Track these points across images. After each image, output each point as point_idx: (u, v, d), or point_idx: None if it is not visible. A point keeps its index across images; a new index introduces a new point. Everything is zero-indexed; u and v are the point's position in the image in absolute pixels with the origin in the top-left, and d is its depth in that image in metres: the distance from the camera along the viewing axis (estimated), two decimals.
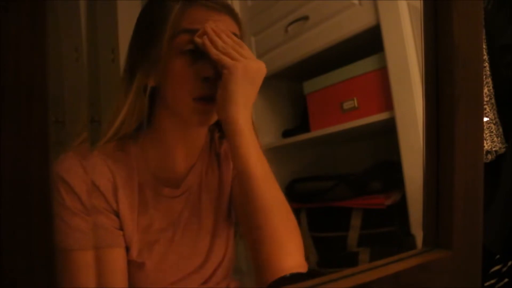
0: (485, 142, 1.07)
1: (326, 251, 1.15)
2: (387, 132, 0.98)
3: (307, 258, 1.22)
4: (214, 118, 0.64)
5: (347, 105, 1.09)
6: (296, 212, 1.20)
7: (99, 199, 0.59)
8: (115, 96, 0.64)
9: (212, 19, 0.60)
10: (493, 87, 1.08)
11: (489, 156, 1.08)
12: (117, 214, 0.60)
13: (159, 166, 0.66)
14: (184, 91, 0.60)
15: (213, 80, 0.60)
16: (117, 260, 0.60)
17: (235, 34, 0.62)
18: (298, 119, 1.34)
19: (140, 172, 0.64)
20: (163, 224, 0.64)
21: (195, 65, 0.60)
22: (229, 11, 0.63)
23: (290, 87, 1.37)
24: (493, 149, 1.07)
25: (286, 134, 1.31)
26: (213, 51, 0.58)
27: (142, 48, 0.62)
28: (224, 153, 0.72)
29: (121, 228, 0.60)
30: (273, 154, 1.30)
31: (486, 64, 1.07)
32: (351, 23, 1.02)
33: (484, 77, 1.06)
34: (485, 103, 1.07)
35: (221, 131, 0.74)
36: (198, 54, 0.60)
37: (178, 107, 0.62)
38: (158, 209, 0.64)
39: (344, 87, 1.10)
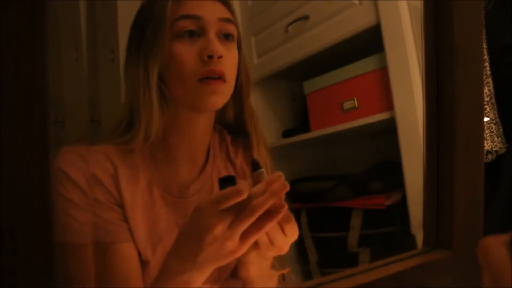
0: (485, 142, 1.07)
1: (326, 251, 1.15)
2: (387, 132, 0.98)
3: (307, 258, 1.21)
4: (225, 99, 0.62)
5: (347, 105, 1.09)
6: (296, 212, 1.21)
7: (102, 192, 0.58)
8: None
9: (206, 5, 0.60)
10: (494, 87, 1.08)
11: (490, 156, 1.08)
12: (121, 206, 0.59)
13: (166, 166, 0.64)
14: (188, 74, 0.58)
15: (217, 58, 0.58)
16: (130, 252, 0.59)
17: (228, 20, 0.62)
18: (298, 119, 1.34)
19: (148, 171, 0.62)
20: (168, 224, 0.63)
21: (196, 44, 0.59)
22: None
23: (290, 87, 1.37)
24: (494, 149, 1.07)
25: (286, 134, 1.31)
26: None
27: (142, 41, 0.60)
28: (240, 164, 0.71)
29: (126, 221, 0.59)
30: (273, 154, 1.29)
31: (487, 64, 1.07)
32: (351, 22, 1.02)
33: (485, 77, 1.06)
34: (485, 103, 1.06)
35: (231, 133, 0.73)
36: (198, 34, 0.59)
37: (185, 93, 0.59)
38: (165, 208, 0.63)
39: (344, 87, 1.10)
